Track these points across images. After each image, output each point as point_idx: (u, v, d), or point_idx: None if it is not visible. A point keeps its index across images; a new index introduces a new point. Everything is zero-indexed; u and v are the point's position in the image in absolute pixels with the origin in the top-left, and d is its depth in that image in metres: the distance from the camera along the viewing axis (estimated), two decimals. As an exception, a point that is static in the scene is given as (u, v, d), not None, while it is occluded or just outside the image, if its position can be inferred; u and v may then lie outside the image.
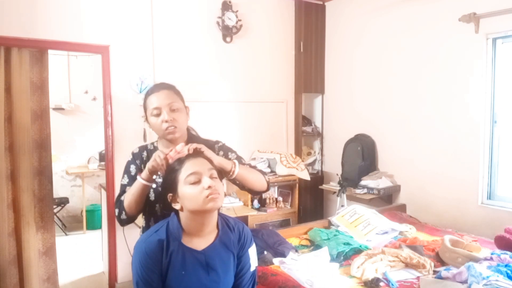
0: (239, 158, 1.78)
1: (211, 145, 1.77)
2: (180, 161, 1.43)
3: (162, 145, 1.75)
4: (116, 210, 1.68)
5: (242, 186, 1.70)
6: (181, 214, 1.42)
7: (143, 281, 1.36)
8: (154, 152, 1.55)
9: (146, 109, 1.70)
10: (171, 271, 1.37)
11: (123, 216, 1.64)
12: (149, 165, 1.51)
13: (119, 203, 1.67)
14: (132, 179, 1.67)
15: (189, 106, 1.76)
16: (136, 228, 3.08)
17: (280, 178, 4.01)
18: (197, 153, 1.49)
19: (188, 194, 1.37)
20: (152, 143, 1.79)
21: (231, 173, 1.59)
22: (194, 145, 1.51)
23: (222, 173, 1.58)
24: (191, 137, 1.77)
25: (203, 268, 1.40)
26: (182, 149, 1.49)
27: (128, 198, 1.60)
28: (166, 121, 1.62)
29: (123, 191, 1.70)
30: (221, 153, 1.77)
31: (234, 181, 1.67)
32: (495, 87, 3.19)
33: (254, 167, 1.78)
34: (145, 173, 1.54)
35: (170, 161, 1.47)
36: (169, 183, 1.42)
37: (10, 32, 2.98)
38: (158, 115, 1.63)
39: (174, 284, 1.38)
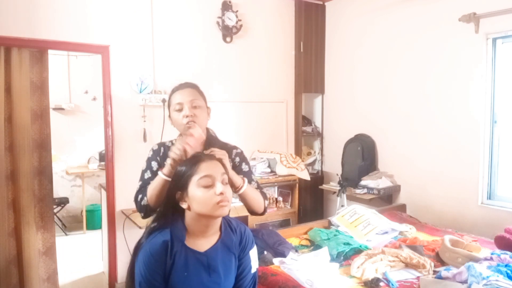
0: (250, 173, 1.81)
1: (229, 149, 1.79)
2: (194, 161, 1.42)
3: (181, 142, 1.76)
4: (140, 203, 1.69)
5: (242, 202, 1.72)
6: (187, 213, 1.42)
7: (146, 282, 1.35)
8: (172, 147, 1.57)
9: (170, 105, 1.75)
10: (174, 272, 1.37)
11: (148, 207, 1.66)
12: (168, 160, 1.56)
13: (142, 193, 1.69)
14: (154, 174, 1.70)
15: (210, 107, 1.80)
16: (136, 228, 3.09)
17: (280, 178, 4.01)
18: (213, 156, 1.49)
19: (198, 197, 1.36)
20: (171, 141, 1.81)
21: (237, 189, 1.62)
22: (216, 150, 1.55)
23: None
24: (210, 138, 1.78)
25: (205, 270, 1.41)
26: (199, 134, 1.54)
27: (150, 193, 1.64)
28: (187, 116, 1.67)
29: (143, 186, 1.72)
30: (237, 159, 1.80)
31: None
32: (495, 87, 3.19)
33: (260, 188, 1.79)
34: (166, 168, 1.57)
35: (188, 148, 1.51)
36: (181, 181, 1.41)
37: (10, 32, 2.98)
38: (180, 110, 1.69)
39: (177, 285, 1.38)
